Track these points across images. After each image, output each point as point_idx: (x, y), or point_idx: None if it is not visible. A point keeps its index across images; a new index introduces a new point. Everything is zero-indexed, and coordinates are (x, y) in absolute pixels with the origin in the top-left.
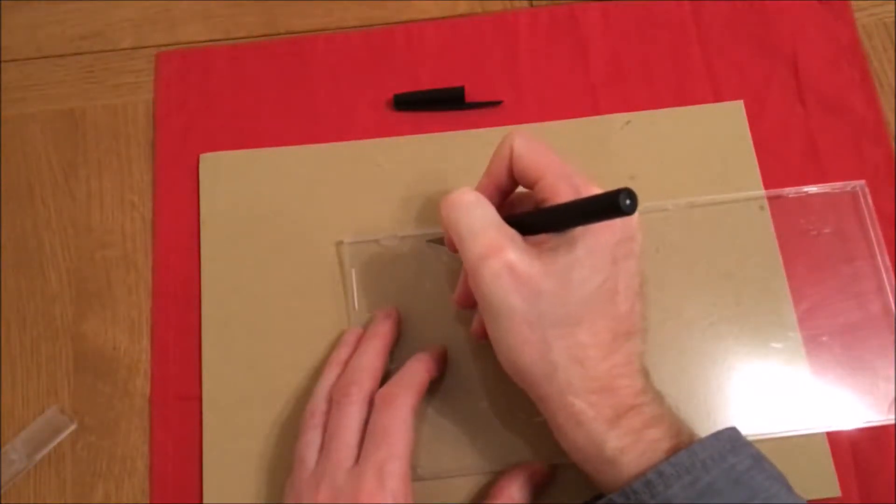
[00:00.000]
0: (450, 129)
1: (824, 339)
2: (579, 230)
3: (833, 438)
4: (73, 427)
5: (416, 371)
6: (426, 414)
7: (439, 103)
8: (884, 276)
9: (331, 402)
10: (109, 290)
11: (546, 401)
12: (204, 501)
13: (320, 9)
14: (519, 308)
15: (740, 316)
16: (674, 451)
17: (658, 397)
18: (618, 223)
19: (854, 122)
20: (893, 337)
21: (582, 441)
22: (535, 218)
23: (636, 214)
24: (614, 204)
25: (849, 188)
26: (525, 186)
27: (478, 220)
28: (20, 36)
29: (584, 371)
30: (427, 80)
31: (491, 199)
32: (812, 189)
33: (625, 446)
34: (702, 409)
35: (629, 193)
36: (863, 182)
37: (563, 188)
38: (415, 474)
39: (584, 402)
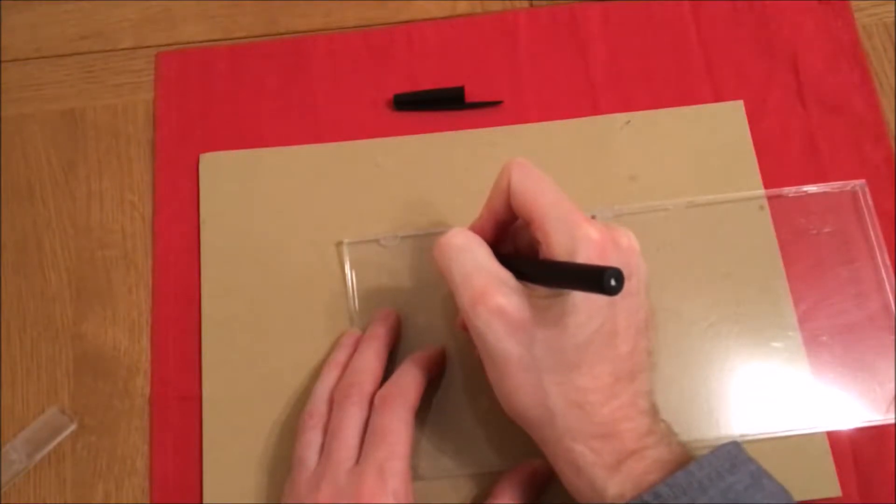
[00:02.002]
0: (450, 129)
1: (824, 339)
2: None
3: (833, 438)
4: (73, 427)
5: (414, 371)
6: (427, 414)
7: (439, 103)
8: (884, 275)
9: (331, 403)
10: (109, 290)
11: (546, 445)
12: (204, 501)
13: (320, 9)
14: (513, 353)
15: (740, 316)
16: (673, 472)
17: (665, 436)
18: (614, 262)
19: (854, 122)
20: (893, 337)
21: (582, 486)
22: (526, 267)
23: (636, 248)
24: (598, 282)
25: (849, 188)
26: (524, 222)
27: (468, 263)
28: (20, 36)
29: (585, 416)
30: (427, 80)
31: (490, 232)
32: (812, 189)
33: (625, 493)
34: (702, 408)
35: (616, 274)
36: (863, 181)
37: (557, 236)
38: (415, 474)
39: (585, 448)
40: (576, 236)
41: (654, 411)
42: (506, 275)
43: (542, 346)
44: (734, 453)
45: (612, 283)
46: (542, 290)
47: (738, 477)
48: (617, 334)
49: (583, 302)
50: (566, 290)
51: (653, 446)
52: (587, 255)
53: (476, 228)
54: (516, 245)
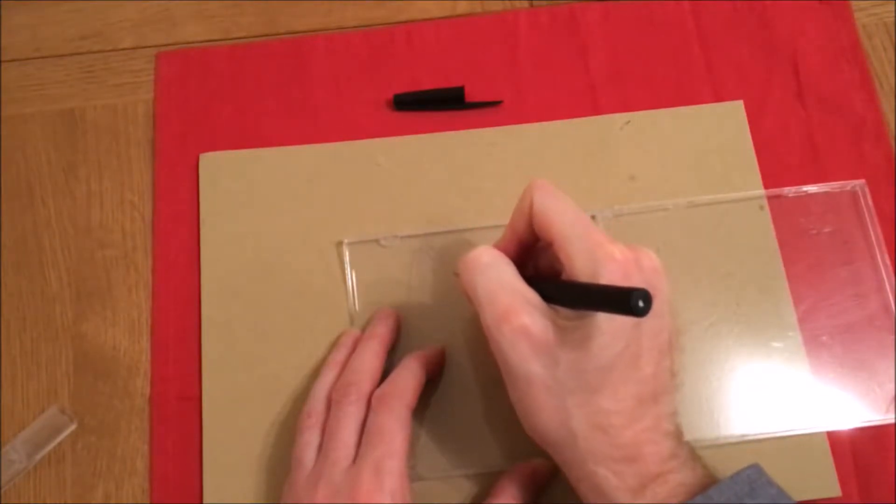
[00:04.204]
0: (450, 129)
1: (824, 338)
2: None
3: (833, 438)
4: (73, 427)
5: (412, 370)
6: (426, 413)
7: (439, 103)
8: (884, 275)
9: (329, 402)
10: (109, 290)
11: (568, 466)
12: (204, 501)
13: (320, 9)
14: (536, 373)
15: (740, 316)
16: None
17: (689, 460)
18: (638, 281)
19: (854, 122)
20: (893, 337)
21: None
22: (551, 289)
23: (659, 268)
24: (626, 303)
25: (849, 188)
26: (546, 243)
27: (494, 281)
28: (20, 36)
29: (608, 439)
30: (427, 80)
31: (514, 253)
32: (812, 189)
33: None
34: (702, 408)
35: (644, 295)
36: (863, 181)
37: (579, 257)
38: (415, 474)
39: (608, 471)
40: (598, 257)
41: (678, 434)
42: (531, 294)
43: (566, 368)
44: (754, 477)
45: (640, 303)
46: (565, 312)
47: (757, 501)
48: (640, 356)
49: (607, 324)
50: (590, 312)
51: (677, 470)
52: (610, 275)
53: (499, 249)
54: (538, 267)
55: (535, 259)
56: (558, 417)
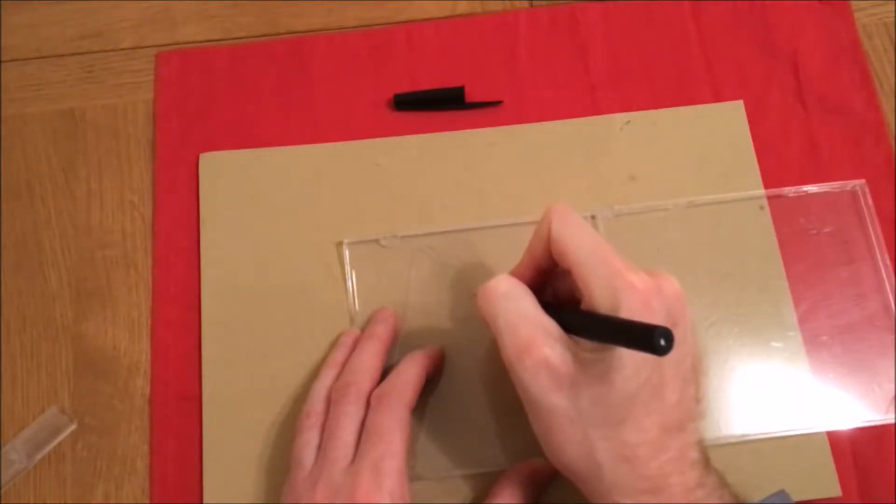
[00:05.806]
0: (450, 129)
1: (824, 338)
2: None
3: (833, 438)
4: (73, 427)
5: (411, 370)
6: (426, 413)
7: (439, 103)
8: (884, 275)
9: (328, 402)
10: (109, 290)
11: (594, 498)
12: (204, 501)
13: (320, 9)
14: (559, 406)
15: (740, 316)
16: None
17: (716, 488)
18: (659, 311)
19: (854, 122)
20: (893, 337)
21: None
22: (571, 319)
23: (681, 294)
24: (648, 341)
25: (849, 188)
26: (564, 270)
27: (513, 313)
28: (20, 36)
29: (633, 471)
30: (427, 80)
31: (532, 278)
32: (812, 189)
33: None
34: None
35: (665, 334)
36: (863, 181)
37: (598, 286)
38: (414, 473)
39: (634, 503)
40: (617, 287)
41: (704, 462)
42: (551, 325)
43: (588, 400)
44: None
45: (662, 342)
46: (586, 343)
47: None
48: (665, 385)
49: (629, 356)
50: (611, 346)
51: (703, 499)
52: (629, 305)
53: (516, 274)
54: (557, 292)
55: (555, 283)
56: (583, 449)
